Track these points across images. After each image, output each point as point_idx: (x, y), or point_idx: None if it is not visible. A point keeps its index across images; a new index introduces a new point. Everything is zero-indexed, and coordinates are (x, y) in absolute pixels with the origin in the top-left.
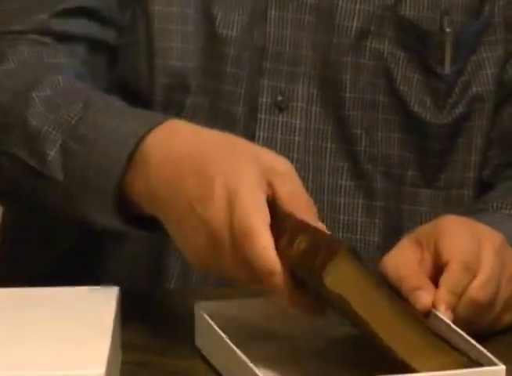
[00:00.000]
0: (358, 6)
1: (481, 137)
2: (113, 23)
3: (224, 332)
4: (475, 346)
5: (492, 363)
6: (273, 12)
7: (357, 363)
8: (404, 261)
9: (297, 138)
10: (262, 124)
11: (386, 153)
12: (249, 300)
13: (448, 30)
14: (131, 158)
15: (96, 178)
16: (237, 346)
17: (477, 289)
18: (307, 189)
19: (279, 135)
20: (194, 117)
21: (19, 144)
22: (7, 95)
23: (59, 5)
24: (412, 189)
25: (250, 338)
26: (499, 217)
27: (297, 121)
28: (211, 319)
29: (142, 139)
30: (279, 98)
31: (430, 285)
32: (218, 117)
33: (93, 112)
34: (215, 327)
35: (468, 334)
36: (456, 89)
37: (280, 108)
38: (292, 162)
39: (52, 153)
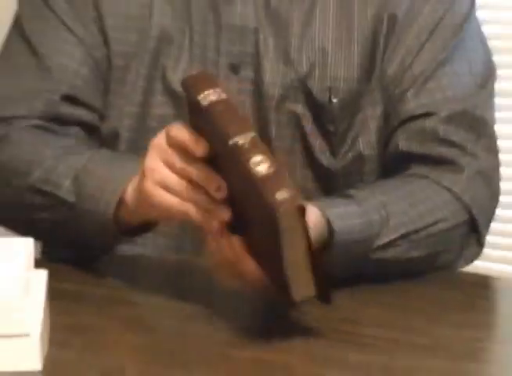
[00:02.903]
0: (279, 79)
1: (369, 178)
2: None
3: None
4: None
5: None
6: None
7: None
8: None
9: None
10: None
11: (303, 186)
12: None
13: (334, 100)
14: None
15: (100, 200)
16: None
17: None
18: None
19: None
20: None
21: (39, 180)
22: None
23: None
24: None
25: None
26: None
27: None
28: None
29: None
30: None
31: None
32: None
33: (98, 158)
34: None
35: None
36: (348, 141)
37: None
38: None
39: (67, 182)
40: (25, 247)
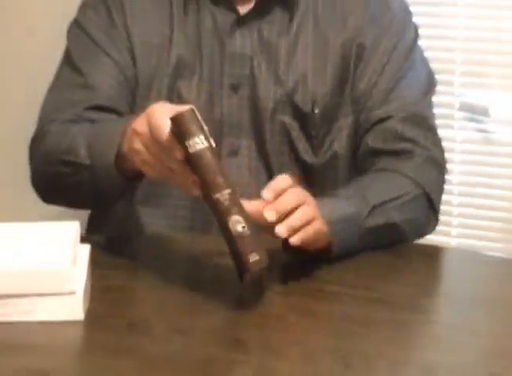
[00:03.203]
0: (271, 95)
1: (342, 172)
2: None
3: None
4: None
5: None
6: (225, 101)
7: None
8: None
9: (244, 172)
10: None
11: None
12: None
13: (316, 111)
14: (120, 144)
15: (105, 155)
16: None
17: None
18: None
19: (234, 179)
20: None
21: (65, 152)
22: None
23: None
24: None
25: None
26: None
27: (245, 162)
28: None
29: (122, 136)
30: (232, 147)
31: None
32: None
33: (99, 125)
34: None
35: None
36: (326, 143)
37: (234, 154)
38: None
39: (83, 149)
40: (73, 227)
